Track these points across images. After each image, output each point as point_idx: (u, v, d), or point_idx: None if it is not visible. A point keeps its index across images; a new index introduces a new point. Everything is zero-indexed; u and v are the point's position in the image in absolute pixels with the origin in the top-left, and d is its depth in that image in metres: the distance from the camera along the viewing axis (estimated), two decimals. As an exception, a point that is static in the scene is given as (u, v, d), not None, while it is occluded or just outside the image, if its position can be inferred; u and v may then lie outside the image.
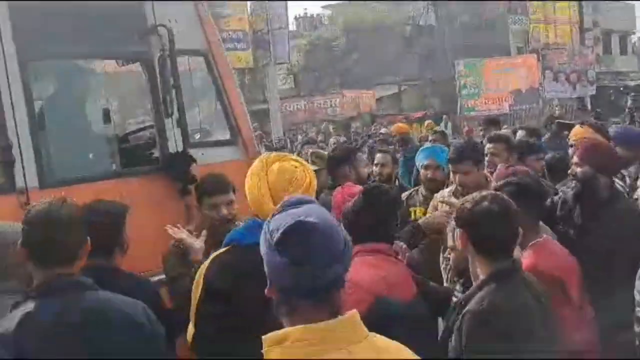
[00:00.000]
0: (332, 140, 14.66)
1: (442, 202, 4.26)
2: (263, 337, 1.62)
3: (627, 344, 3.33)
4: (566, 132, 6.39)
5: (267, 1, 26.18)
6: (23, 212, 3.47)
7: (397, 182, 6.52)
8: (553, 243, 3.34)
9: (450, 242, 2.86)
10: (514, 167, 4.10)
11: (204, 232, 3.50)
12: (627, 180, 5.06)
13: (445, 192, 4.46)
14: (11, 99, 3.76)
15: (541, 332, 2.50)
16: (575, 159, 4.01)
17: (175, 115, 4.32)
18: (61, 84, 4.52)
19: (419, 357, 1.72)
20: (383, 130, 16.37)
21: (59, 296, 2.29)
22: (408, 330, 2.10)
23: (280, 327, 1.65)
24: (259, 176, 2.75)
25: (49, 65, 4.30)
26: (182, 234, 3.48)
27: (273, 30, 26.09)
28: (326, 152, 6.02)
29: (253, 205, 2.78)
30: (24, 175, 3.78)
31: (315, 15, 41.59)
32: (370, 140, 16.12)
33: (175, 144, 4.35)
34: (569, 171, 4.06)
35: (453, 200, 4.01)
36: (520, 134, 7.34)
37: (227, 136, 4.78)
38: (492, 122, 8.65)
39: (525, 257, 3.01)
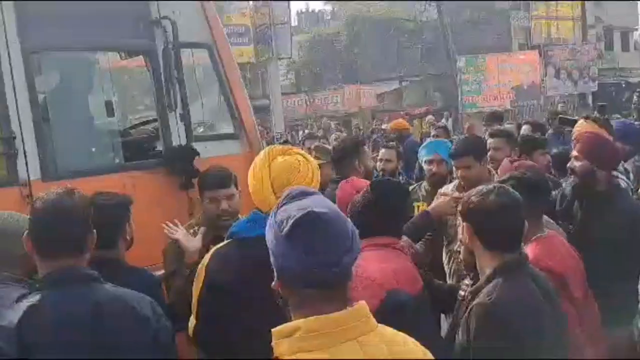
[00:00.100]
0: (333, 135, 14.63)
1: (443, 194, 4.22)
2: (272, 330, 1.61)
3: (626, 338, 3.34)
4: (569, 129, 6.38)
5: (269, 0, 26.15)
6: (25, 204, 3.50)
7: (400, 177, 6.50)
8: (557, 239, 3.31)
9: (460, 236, 2.84)
10: (519, 162, 4.08)
11: (202, 230, 3.48)
12: (631, 175, 5.06)
13: (450, 186, 4.45)
14: (14, 90, 3.76)
15: (550, 326, 2.48)
16: (574, 153, 4.01)
17: (179, 108, 4.32)
18: (64, 76, 4.51)
19: (424, 347, 1.71)
20: (384, 126, 16.38)
21: (66, 288, 2.27)
22: (415, 324, 2.09)
23: (283, 319, 1.64)
24: (262, 169, 2.73)
25: (52, 57, 4.30)
26: (178, 234, 3.45)
27: (275, 25, 26.05)
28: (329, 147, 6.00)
29: (255, 197, 2.77)
30: (27, 167, 3.77)
31: (317, 11, 41.59)
32: (375, 135, 16.11)
33: (178, 137, 4.35)
34: (568, 165, 4.05)
35: (457, 195, 3.99)
36: (525, 128, 7.34)
37: (231, 130, 4.77)
38: (495, 117, 8.64)
39: (527, 252, 2.99)
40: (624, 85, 33.72)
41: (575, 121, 5.37)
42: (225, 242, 2.84)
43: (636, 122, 7.93)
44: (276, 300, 1.69)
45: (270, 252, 1.66)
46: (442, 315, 4.02)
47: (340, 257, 1.59)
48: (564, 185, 4.46)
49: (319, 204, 1.64)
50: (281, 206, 1.68)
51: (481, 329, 2.40)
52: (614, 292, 3.41)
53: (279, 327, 1.61)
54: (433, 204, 4.12)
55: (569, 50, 30.92)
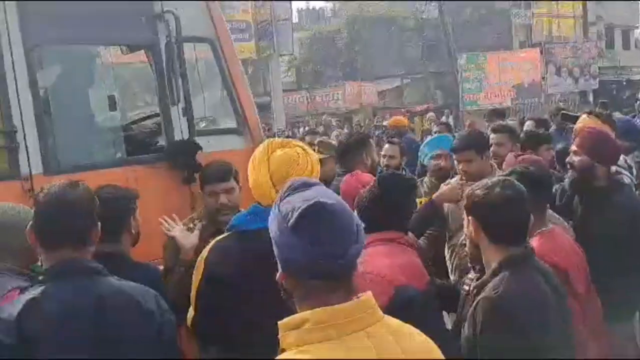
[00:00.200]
0: (335, 132, 14.63)
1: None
2: (279, 322, 1.59)
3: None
4: (571, 125, 6.37)
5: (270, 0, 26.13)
6: (27, 198, 3.49)
7: (404, 173, 6.49)
8: (560, 234, 3.30)
9: (465, 230, 2.83)
10: (524, 156, 4.07)
11: (199, 225, 3.47)
12: (634, 171, 5.05)
13: (452, 181, 4.43)
14: (16, 84, 3.74)
15: (557, 320, 2.47)
16: (573, 147, 4.00)
17: (182, 102, 4.30)
18: (67, 70, 4.49)
19: (429, 339, 1.70)
20: (385, 123, 16.39)
21: (70, 281, 2.24)
22: (423, 319, 2.07)
23: (283, 311, 1.62)
24: (261, 162, 2.71)
25: (54, 52, 4.28)
26: (175, 231, 3.44)
27: (277, 22, 26.03)
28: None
29: (255, 191, 2.76)
30: (29, 161, 3.76)
31: (317, 9, 41.57)
32: (378, 132, 16.09)
33: (181, 131, 4.34)
34: (567, 159, 4.04)
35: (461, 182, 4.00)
36: (529, 124, 7.35)
37: (234, 124, 4.76)
38: (498, 113, 8.64)
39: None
40: (624, 83, 33.77)
41: (578, 117, 5.36)
42: (225, 234, 2.82)
43: (638, 120, 7.93)
44: (280, 292, 1.67)
45: (274, 244, 1.64)
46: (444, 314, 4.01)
47: (346, 248, 1.57)
48: (565, 180, 4.45)
49: (324, 194, 1.62)
50: (284, 198, 1.65)
51: (488, 323, 2.38)
52: (614, 287, 3.40)
53: (285, 320, 1.59)
54: (437, 192, 4.11)
55: (570, 48, 30.94)
